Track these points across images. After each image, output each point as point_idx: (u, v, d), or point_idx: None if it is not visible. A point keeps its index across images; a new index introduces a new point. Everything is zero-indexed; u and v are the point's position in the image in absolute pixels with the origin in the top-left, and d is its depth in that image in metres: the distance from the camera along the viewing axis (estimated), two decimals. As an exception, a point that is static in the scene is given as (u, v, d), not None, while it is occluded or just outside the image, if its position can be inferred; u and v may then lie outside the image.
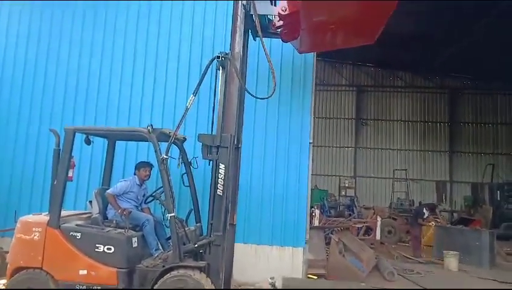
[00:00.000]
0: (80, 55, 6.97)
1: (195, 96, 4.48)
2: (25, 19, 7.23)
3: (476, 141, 20.04)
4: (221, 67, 4.61)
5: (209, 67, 4.42)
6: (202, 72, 4.44)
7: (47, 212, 4.52)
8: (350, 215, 14.26)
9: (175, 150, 4.85)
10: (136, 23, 6.97)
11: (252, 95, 4.59)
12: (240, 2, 4.62)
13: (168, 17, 6.93)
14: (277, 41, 6.50)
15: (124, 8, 7.01)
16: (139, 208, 5.12)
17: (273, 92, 4.46)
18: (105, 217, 4.81)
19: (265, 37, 5.33)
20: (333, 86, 21.14)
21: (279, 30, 5.22)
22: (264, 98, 4.73)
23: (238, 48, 4.60)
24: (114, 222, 4.63)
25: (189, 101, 4.44)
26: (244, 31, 4.75)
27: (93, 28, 7.03)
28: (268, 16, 5.21)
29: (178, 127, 4.42)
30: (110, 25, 7.01)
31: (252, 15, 4.82)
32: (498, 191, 15.70)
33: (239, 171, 5.10)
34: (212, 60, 4.48)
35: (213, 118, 4.74)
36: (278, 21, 5.03)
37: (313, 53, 6.58)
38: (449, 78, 20.34)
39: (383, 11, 4.61)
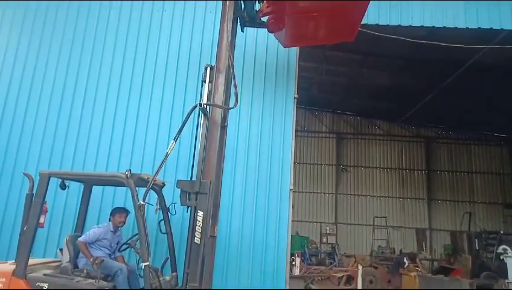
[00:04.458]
0: (62, 97, 6.94)
1: (175, 142, 4.47)
2: (10, 59, 7.29)
3: (453, 189, 20.43)
4: (203, 115, 4.68)
5: (190, 114, 4.46)
6: (184, 119, 4.46)
7: (13, 261, 4.29)
8: (331, 263, 14.06)
9: (153, 196, 4.77)
10: (120, 66, 7.06)
11: (221, 107, 4.63)
12: None
13: (153, 60, 7.05)
14: (259, 88, 6.77)
15: (110, 53, 7.15)
16: (113, 256, 4.92)
17: (236, 103, 4.53)
18: (75, 266, 4.60)
19: (252, 27, 5.79)
20: (314, 132, 21.59)
21: (265, 19, 5.46)
22: (231, 108, 4.77)
23: (224, 54, 4.61)
24: (85, 271, 4.42)
25: (169, 147, 4.42)
26: (233, 20, 4.88)
27: (77, 70, 7.08)
28: (256, 9, 5.53)
29: (157, 172, 4.35)
30: (95, 68, 7.08)
31: (241, 2, 5.10)
32: (476, 240, 15.78)
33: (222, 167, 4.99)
34: (194, 108, 4.51)
35: (193, 163, 4.73)
36: (266, 7, 5.26)
37: (294, 100, 6.78)
38: (424, 127, 21.11)
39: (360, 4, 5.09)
